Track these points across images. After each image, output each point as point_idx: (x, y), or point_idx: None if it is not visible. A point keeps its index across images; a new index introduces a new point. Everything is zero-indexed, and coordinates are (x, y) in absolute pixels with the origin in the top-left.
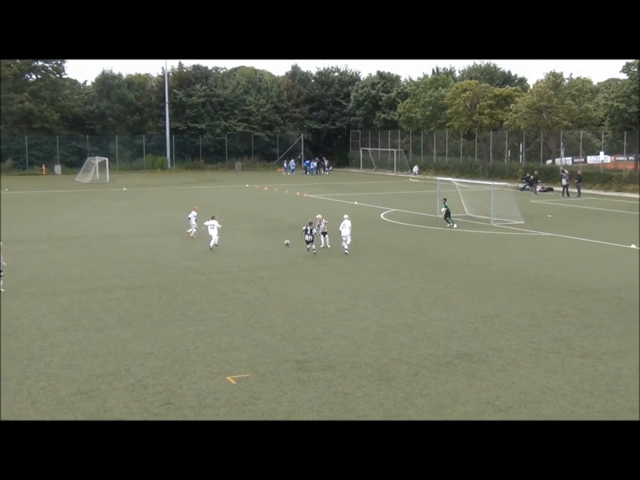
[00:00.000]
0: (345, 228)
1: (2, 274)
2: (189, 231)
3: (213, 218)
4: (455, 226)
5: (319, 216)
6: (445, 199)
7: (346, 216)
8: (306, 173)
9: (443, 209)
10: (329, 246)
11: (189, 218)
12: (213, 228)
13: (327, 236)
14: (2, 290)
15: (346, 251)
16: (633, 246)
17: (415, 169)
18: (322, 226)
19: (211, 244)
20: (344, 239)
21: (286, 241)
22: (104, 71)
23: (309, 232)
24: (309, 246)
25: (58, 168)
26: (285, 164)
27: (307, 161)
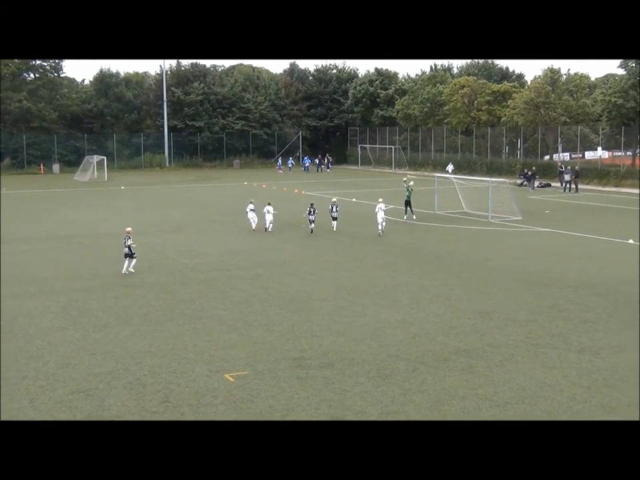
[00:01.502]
0: (380, 212)
1: None
2: (253, 225)
3: (269, 204)
4: (414, 217)
5: (334, 199)
6: (406, 181)
7: (380, 199)
8: (306, 170)
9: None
10: (335, 230)
11: (247, 212)
12: (269, 213)
13: (336, 221)
14: None
15: (380, 233)
16: (631, 241)
17: (450, 167)
18: (334, 210)
19: (267, 225)
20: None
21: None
22: (102, 69)
23: (312, 212)
24: (312, 226)
25: (56, 167)
26: (280, 161)
27: (305, 158)
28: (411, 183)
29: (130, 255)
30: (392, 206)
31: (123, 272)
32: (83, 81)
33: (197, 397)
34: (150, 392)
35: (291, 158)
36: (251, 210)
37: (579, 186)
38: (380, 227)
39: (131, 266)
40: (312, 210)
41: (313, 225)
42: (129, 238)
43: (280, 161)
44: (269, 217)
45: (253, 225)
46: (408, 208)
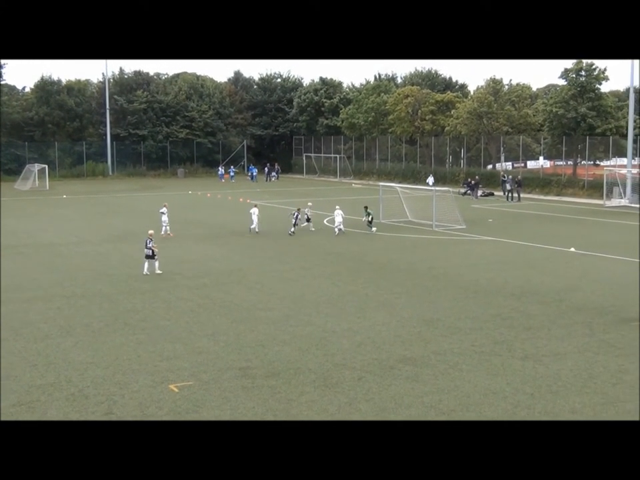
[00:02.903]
0: (338, 216)
1: None
2: (162, 232)
3: (255, 206)
4: (374, 229)
5: (309, 203)
6: (366, 207)
7: (337, 206)
8: (253, 179)
9: (365, 218)
10: (312, 229)
11: (162, 213)
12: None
13: (311, 222)
14: None
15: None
16: (572, 249)
17: (430, 180)
18: (308, 212)
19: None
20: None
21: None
22: (43, 76)
23: (296, 216)
24: (293, 229)
25: None
26: (221, 170)
27: (252, 167)
28: (310, 204)
29: (151, 257)
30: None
31: (144, 273)
32: (24, 88)
33: (141, 408)
34: (93, 403)
35: (232, 167)
36: (163, 213)
37: (522, 195)
38: (339, 228)
39: (156, 268)
40: (297, 214)
41: (293, 229)
42: (151, 240)
43: (222, 170)
44: (255, 219)
45: (165, 230)
46: (370, 224)
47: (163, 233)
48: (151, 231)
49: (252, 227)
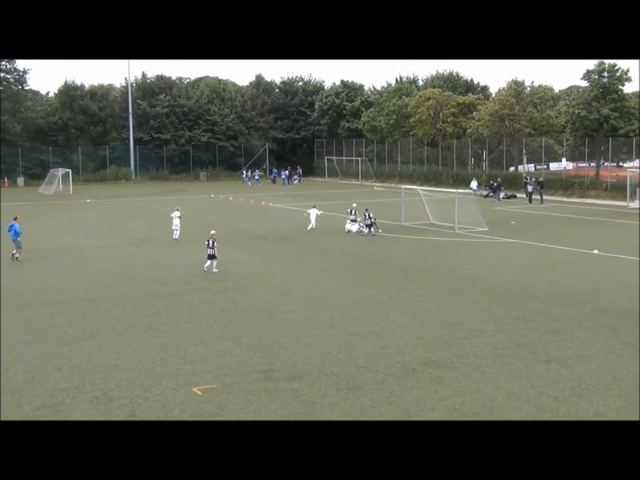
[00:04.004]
0: (313, 214)
1: None
2: (175, 236)
3: (314, 207)
4: (380, 231)
5: (367, 208)
6: (367, 209)
7: (314, 205)
8: (273, 182)
9: (370, 220)
10: (373, 233)
11: (172, 217)
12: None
13: (372, 228)
14: None
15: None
16: (595, 251)
17: (474, 184)
18: (368, 217)
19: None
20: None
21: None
22: (66, 81)
23: (352, 213)
24: (352, 230)
25: (21, 180)
26: (244, 173)
27: (275, 170)
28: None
29: (213, 257)
30: (359, 218)
31: (204, 269)
32: (48, 93)
33: (164, 410)
34: (117, 406)
35: (257, 170)
36: (177, 217)
37: (544, 197)
38: (311, 226)
39: (214, 266)
40: (352, 211)
41: (354, 230)
42: (214, 241)
43: (245, 173)
44: (313, 219)
45: (176, 235)
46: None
47: (175, 236)
48: (212, 231)
49: (310, 227)
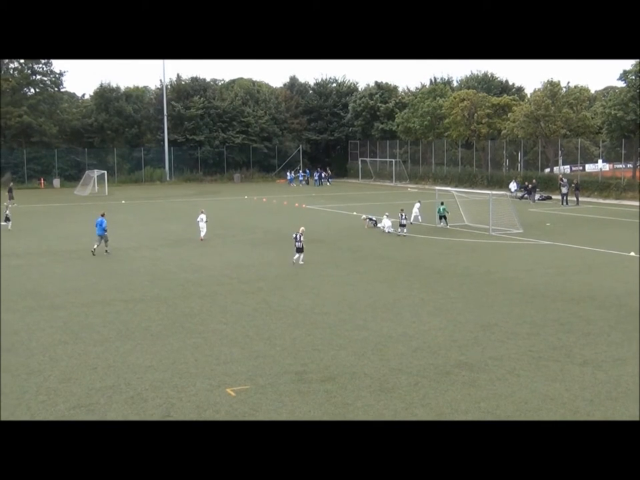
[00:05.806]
0: (387, 221)
1: None
2: (202, 236)
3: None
4: (446, 225)
5: (402, 209)
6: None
7: (387, 213)
8: (306, 183)
9: (404, 220)
10: (405, 234)
11: (198, 221)
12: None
13: (405, 228)
14: None
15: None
16: (632, 253)
17: (513, 185)
18: (404, 217)
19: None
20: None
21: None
22: (102, 84)
23: (402, 217)
24: (404, 232)
25: (57, 181)
26: (290, 174)
27: (307, 171)
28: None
29: (300, 250)
30: (393, 219)
31: (292, 261)
32: (83, 95)
33: (198, 411)
34: (152, 406)
35: (300, 172)
36: (202, 220)
37: (580, 198)
38: (389, 230)
39: (300, 259)
40: (402, 215)
41: (403, 232)
42: (302, 235)
43: (290, 174)
44: (388, 222)
45: (202, 234)
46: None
47: (202, 236)
48: (302, 228)
49: (386, 230)
